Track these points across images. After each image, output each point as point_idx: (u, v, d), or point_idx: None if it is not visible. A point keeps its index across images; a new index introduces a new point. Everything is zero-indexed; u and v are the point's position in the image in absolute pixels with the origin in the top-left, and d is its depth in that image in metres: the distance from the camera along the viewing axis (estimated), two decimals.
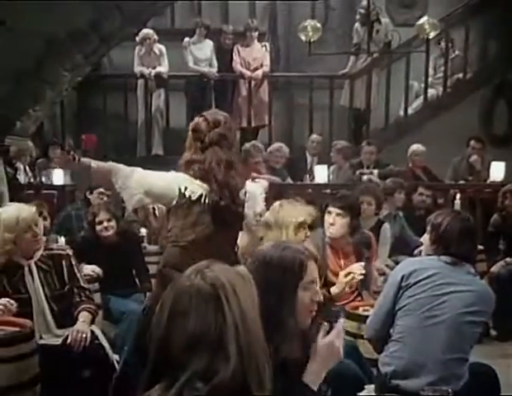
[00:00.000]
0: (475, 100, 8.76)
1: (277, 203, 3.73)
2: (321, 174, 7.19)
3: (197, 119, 3.19)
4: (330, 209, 4.03)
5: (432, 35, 6.63)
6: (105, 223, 4.83)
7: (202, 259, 1.59)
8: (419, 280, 2.86)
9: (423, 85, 8.84)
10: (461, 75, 8.88)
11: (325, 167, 7.30)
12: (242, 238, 3.33)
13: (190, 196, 3.05)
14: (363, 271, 3.58)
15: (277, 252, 2.06)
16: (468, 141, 7.79)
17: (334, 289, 3.62)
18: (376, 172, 7.27)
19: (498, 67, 8.88)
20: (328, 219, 4.02)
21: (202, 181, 3.06)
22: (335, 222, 3.98)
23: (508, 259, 6.13)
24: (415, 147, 7.65)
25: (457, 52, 8.95)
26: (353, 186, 6.40)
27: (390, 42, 8.51)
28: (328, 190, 7.18)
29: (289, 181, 7.59)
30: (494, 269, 6.14)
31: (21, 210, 3.64)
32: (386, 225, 5.38)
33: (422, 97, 8.86)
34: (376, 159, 7.48)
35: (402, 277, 2.89)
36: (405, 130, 8.69)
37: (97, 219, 4.84)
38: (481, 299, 2.85)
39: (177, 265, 2.98)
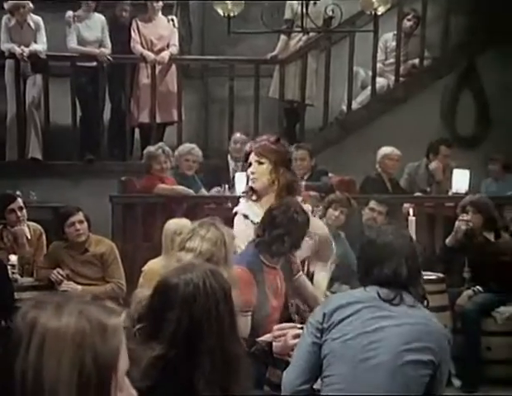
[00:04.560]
0: (435, 91, 9.06)
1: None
2: (242, 184, 7.24)
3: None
4: None
5: (381, 10, 6.78)
6: None
7: None
8: (345, 318, 2.91)
9: (370, 73, 9.05)
10: (417, 61, 9.14)
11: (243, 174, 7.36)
12: None
13: None
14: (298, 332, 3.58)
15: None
16: (437, 147, 8.02)
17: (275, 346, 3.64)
18: (302, 184, 7.35)
19: (464, 50, 9.20)
20: None
21: None
22: None
23: (477, 287, 6.35)
24: (389, 150, 7.81)
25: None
26: None
27: (330, 18, 8.67)
28: None
29: (203, 191, 7.62)
30: (459, 302, 6.35)
31: None
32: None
33: (369, 88, 9.06)
34: (310, 166, 7.58)
35: (324, 316, 2.95)
36: (349, 129, 8.88)
37: None
38: (424, 333, 2.91)
39: None
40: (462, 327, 6.29)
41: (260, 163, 4.35)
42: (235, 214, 4.45)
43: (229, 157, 8.15)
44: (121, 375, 1.43)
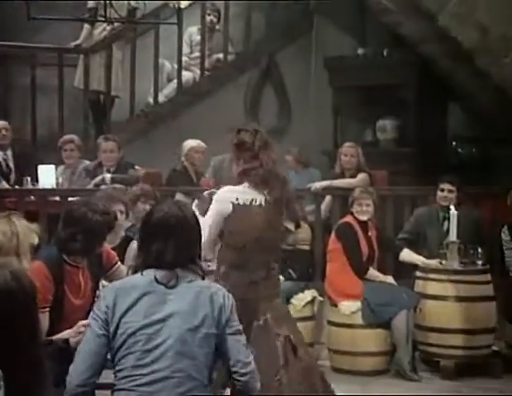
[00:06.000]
0: (239, 85, 9.36)
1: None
2: (47, 177, 7.17)
3: (238, 134, 4.39)
4: None
5: (184, 4, 6.96)
6: None
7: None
8: (127, 310, 2.91)
9: (176, 66, 9.18)
10: (222, 55, 9.40)
11: (52, 167, 7.28)
12: None
13: (244, 204, 4.25)
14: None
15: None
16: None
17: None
18: (108, 176, 7.36)
19: (265, 46, 9.57)
20: None
21: (262, 184, 4.26)
22: None
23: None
24: (195, 143, 7.90)
25: (217, 27, 9.45)
26: (91, 193, 6.49)
27: (134, 9, 8.73)
28: (57, 198, 7.20)
29: (4, 184, 7.46)
30: None
31: None
32: (134, 244, 5.50)
33: (175, 81, 9.20)
34: (117, 159, 7.59)
35: (107, 309, 2.93)
36: (155, 122, 8.97)
37: None
38: (207, 305, 2.95)
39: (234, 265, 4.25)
40: None
41: None
42: None
43: None
44: None
